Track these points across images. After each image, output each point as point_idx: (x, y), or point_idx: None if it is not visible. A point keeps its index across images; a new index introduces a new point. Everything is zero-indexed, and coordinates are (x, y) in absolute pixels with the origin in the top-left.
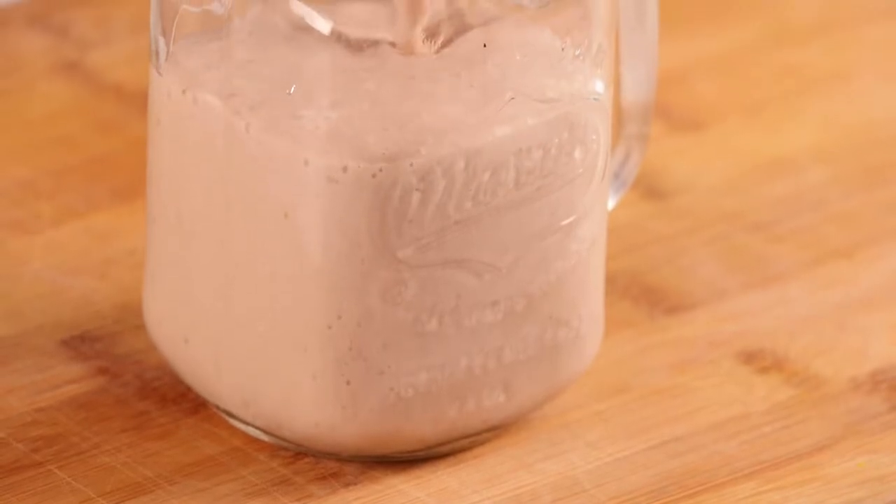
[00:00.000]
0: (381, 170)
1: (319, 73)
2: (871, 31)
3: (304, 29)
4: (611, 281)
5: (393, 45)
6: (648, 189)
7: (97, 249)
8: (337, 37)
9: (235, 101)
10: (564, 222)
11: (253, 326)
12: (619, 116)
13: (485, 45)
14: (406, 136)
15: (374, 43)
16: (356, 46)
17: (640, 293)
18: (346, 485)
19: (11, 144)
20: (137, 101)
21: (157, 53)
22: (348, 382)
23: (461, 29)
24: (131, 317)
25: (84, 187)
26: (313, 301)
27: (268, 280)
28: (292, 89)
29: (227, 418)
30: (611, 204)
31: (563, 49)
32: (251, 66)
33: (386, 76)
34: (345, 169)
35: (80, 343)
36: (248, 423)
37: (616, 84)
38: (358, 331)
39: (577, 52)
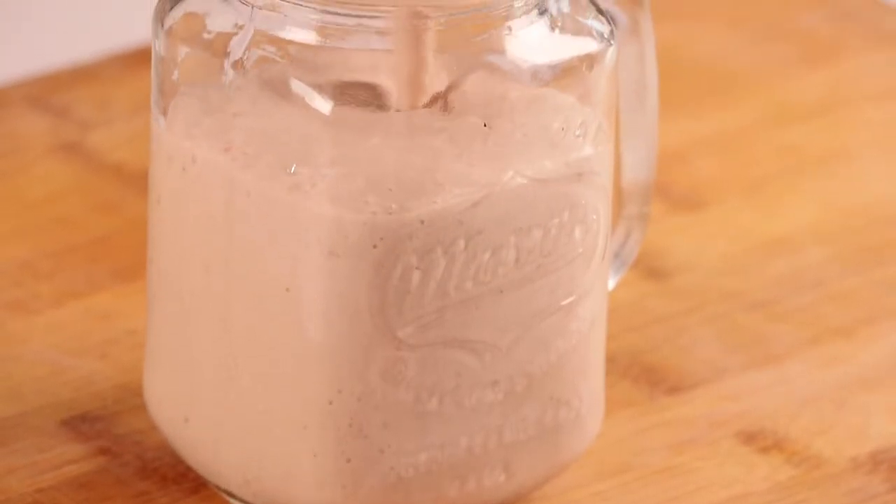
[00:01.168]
0: (381, 239)
1: (320, 145)
2: (871, 111)
3: (304, 107)
4: (611, 360)
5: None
6: (649, 268)
7: (97, 330)
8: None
9: (235, 178)
10: (565, 302)
11: (253, 404)
12: (619, 196)
13: (485, 125)
14: (404, 217)
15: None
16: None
17: (641, 373)
18: None
19: (11, 224)
20: (138, 181)
21: (157, 132)
22: (349, 460)
23: (462, 109)
24: (132, 397)
25: (84, 267)
26: (314, 377)
27: (269, 356)
28: (293, 169)
29: (227, 498)
30: (611, 283)
31: (563, 129)
32: (251, 142)
33: (387, 146)
34: (346, 237)
35: (81, 423)
36: (248, 503)
37: (616, 163)
38: (358, 406)
39: (577, 132)
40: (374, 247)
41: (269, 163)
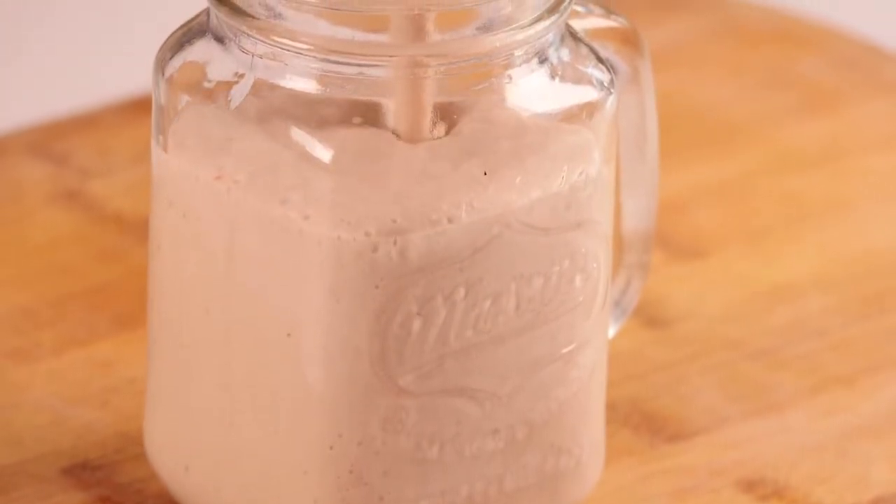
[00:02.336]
0: (382, 279)
1: (320, 189)
2: (871, 159)
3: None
4: (611, 408)
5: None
6: (649, 317)
7: (98, 378)
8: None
9: (235, 220)
10: (565, 350)
11: (254, 450)
12: (619, 244)
13: (485, 174)
14: (405, 264)
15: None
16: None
17: (641, 421)
18: None
19: (12, 272)
20: (138, 229)
21: (158, 179)
22: None
23: (462, 156)
24: (132, 445)
25: (85, 316)
26: (315, 423)
27: (269, 403)
28: (292, 206)
29: None
30: (611, 332)
31: (563, 177)
32: (251, 189)
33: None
34: (346, 273)
35: (82, 471)
36: None
37: (617, 212)
38: (359, 452)
39: (577, 180)
40: (376, 287)
41: (267, 200)
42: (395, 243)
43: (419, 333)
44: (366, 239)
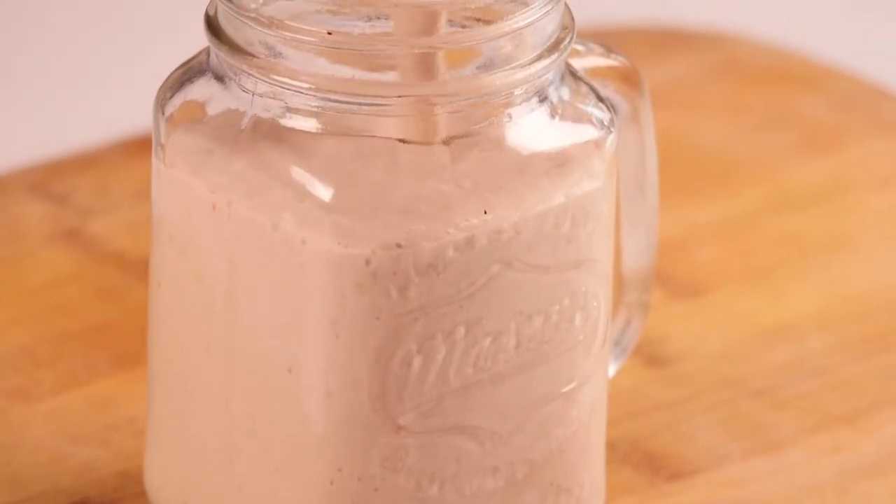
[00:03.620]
0: (381, 314)
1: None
2: (872, 198)
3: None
4: (612, 447)
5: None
6: (649, 356)
7: (98, 417)
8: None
9: (235, 253)
10: (565, 389)
11: (254, 487)
12: (619, 283)
13: (485, 212)
14: (405, 303)
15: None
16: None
17: (641, 460)
18: None
19: (12, 312)
20: (138, 268)
21: (158, 216)
22: None
23: (462, 194)
24: (132, 484)
25: (85, 355)
26: (315, 460)
27: (269, 439)
28: (291, 238)
29: None
30: (611, 370)
31: (563, 216)
32: (250, 223)
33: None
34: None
35: None
36: None
37: (617, 251)
38: (359, 488)
39: (577, 219)
40: (377, 318)
41: (266, 233)
42: (394, 280)
43: (419, 371)
44: (366, 273)
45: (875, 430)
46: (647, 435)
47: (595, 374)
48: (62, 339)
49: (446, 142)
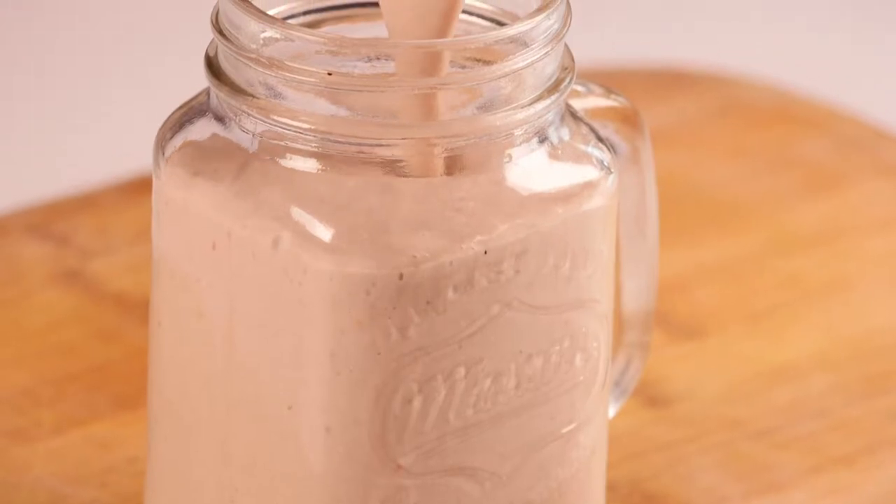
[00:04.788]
0: (381, 353)
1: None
2: (871, 240)
3: (305, 235)
4: (612, 488)
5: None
6: (649, 397)
7: (98, 458)
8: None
9: (235, 296)
10: (565, 429)
11: None
12: (619, 324)
13: (486, 252)
14: (405, 343)
15: None
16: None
17: (641, 501)
18: None
19: (12, 353)
20: (138, 309)
21: (158, 255)
22: None
23: (462, 235)
24: None
25: (85, 396)
26: (314, 502)
27: (269, 479)
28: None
29: None
30: (612, 412)
31: (563, 256)
32: (250, 261)
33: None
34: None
35: None
36: None
37: (617, 291)
38: None
39: (577, 259)
40: (378, 357)
41: (266, 270)
42: (394, 319)
43: (419, 412)
44: (366, 309)
45: (875, 472)
46: (648, 476)
47: (595, 415)
48: (62, 380)
49: (446, 180)
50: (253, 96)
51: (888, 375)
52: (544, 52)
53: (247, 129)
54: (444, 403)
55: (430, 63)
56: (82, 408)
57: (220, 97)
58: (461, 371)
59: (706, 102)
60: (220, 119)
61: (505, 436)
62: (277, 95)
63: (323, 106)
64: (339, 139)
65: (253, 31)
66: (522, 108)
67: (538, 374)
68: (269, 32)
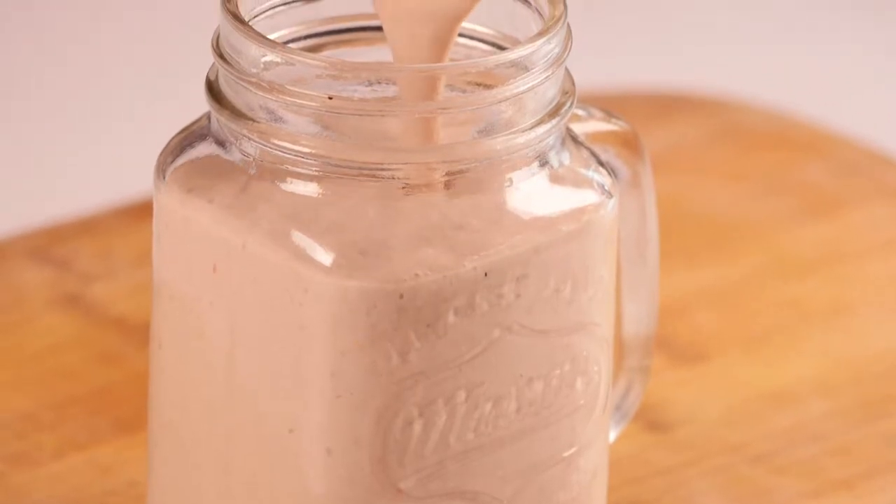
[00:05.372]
0: (381, 378)
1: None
2: (871, 264)
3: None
4: None
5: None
6: (650, 421)
7: (99, 482)
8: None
9: (236, 317)
10: (566, 453)
11: None
12: (620, 348)
13: (486, 274)
14: (405, 367)
15: None
16: None
17: None
18: None
19: (12, 376)
20: (139, 333)
21: (158, 279)
22: None
23: (462, 258)
24: None
25: (86, 419)
26: None
27: (270, 502)
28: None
29: None
30: (612, 436)
31: (563, 280)
32: (250, 284)
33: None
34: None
35: None
36: None
37: (617, 315)
38: None
39: (577, 283)
40: (378, 380)
41: (266, 293)
42: (395, 343)
43: (420, 435)
44: (367, 332)
45: (874, 496)
46: (649, 500)
47: (596, 439)
48: (63, 404)
49: (446, 202)
50: (253, 120)
51: (888, 400)
52: (545, 76)
53: (247, 153)
54: (445, 427)
55: (429, 87)
56: (83, 432)
57: (220, 121)
58: (462, 395)
59: (706, 127)
60: (220, 143)
61: (506, 460)
62: (278, 119)
63: (323, 130)
64: (340, 163)
65: (254, 55)
66: (523, 132)
67: (539, 398)
68: (270, 57)
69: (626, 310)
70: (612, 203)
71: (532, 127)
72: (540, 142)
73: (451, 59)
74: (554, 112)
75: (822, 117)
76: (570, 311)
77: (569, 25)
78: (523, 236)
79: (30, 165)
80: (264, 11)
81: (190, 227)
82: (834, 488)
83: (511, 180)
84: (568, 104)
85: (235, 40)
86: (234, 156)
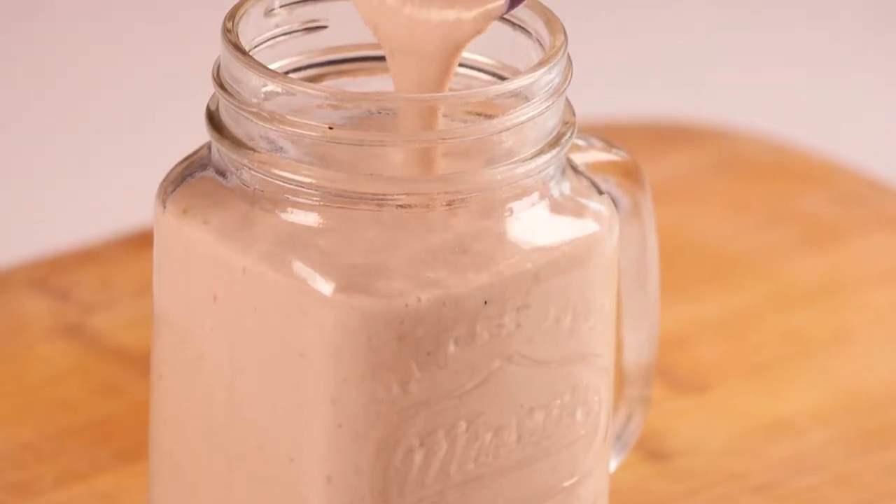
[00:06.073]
0: (382, 405)
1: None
2: (873, 294)
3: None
4: None
5: None
6: (650, 451)
7: None
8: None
9: (236, 347)
10: (566, 483)
11: None
12: (620, 378)
13: (485, 302)
14: (406, 398)
15: None
16: None
17: None
18: None
19: (13, 406)
20: (139, 363)
21: (159, 309)
22: None
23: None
24: None
25: (86, 450)
26: None
27: None
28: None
29: None
30: (613, 465)
31: (564, 310)
32: (250, 313)
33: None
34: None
35: None
36: None
37: (618, 345)
38: None
39: (578, 313)
40: (379, 411)
41: (267, 323)
42: (396, 373)
43: (421, 466)
44: (368, 362)
45: None
46: None
47: (596, 469)
48: (63, 435)
49: (447, 229)
50: (254, 150)
51: (889, 429)
52: (545, 106)
53: (247, 182)
54: (446, 457)
55: (428, 117)
56: (83, 462)
57: (221, 151)
58: (462, 425)
59: (706, 157)
60: (221, 172)
61: (506, 490)
62: (278, 149)
63: (324, 160)
64: (340, 193)
65: (254, 85)
66: (523, 162)
67: (539, 428)
68: (271, 86)
69: (626, 339)
70: (612, 233)
71: (532, 157)
72: (540, 172)
73: (452, 89)
74: (554, 142)
75: (823, 147)
76: (570, 341)
77: (569, 55)
78: (523, 266)
79: (30, 195)
80: (265, 41)
81: (190, 256)
82: None
83: (511, 210)
84: (568, 134)
85: (236, 70)
86: (235, 185)
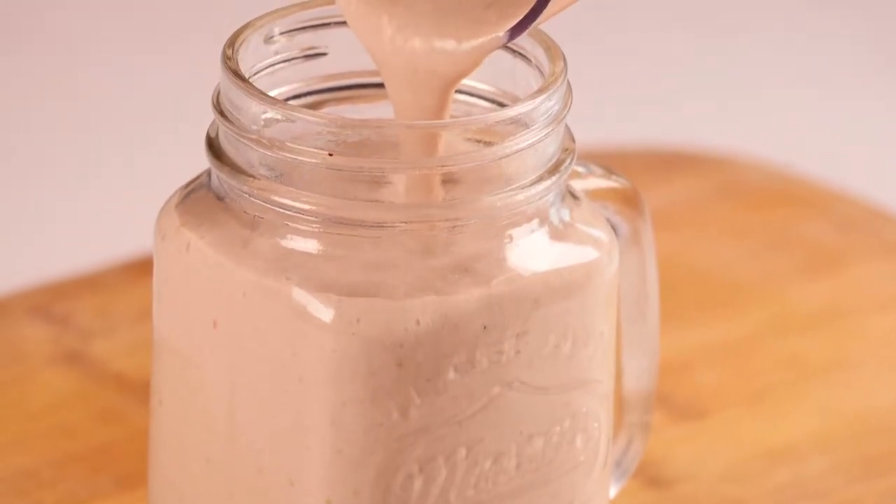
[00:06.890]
0: (381, 428)
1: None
2: (873, 320)
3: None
4: None
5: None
6: (650, 477)
7: None
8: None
9: (236, 372)
10: None
11: None
12: (620, 404)
13: (484, 327)
14: (405, 425)
15: None
16: None
17: None
18: None
19: (13, 434)
20: (139, 390)
21: (159, 336)
22: None
23: (462, 313)
24: None
25: (86, 476)
26: None
27: None
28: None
29: None
30: (613, 492)
31: (564, 337)
32: (250, 339)
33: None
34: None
35: None
36: None
37: (618, 372)
38: None
39: (578, 340)
40: (379, 437)
41: (267, 349)
42: (395, 399)
43: (420, 492)
44: (367, 388)
45: None
46: None
47: (596, 496)
48: (64, 461)
49: (445, 254)
50: (254, 177)
51: (889, 456)
52: (545, 133)
53: (247, 209)
54: (445, 483)
55: (431, 143)
56: (84, 489)
57: (220, 177)
58: (462, 451)
59: (706, 183)
60: (220, 199)
61: None
62: (278, 176)
63: (324, 187)
64: (340, 220)
65: (254, 112)
66: (523, 188)
67: (539, 455)
68: (271, 113)
69: (626, 366)
70: (612, 260)
71: (532, 184)
72: (540, 198)
73: (452, 116)
74: (554, 169)
75: (823, 173)
76: (570, 368)
77: (569, 82)
78: (523, 292)
79: (30, 222)
80: (265, 68)
81: (190, 282)
82: None
83: (511, 236)
84: (568, 161)
85: (236, 97)
86: (235, 211)
